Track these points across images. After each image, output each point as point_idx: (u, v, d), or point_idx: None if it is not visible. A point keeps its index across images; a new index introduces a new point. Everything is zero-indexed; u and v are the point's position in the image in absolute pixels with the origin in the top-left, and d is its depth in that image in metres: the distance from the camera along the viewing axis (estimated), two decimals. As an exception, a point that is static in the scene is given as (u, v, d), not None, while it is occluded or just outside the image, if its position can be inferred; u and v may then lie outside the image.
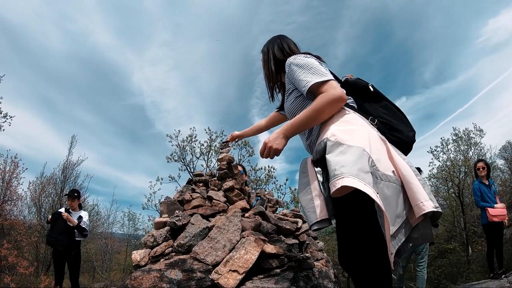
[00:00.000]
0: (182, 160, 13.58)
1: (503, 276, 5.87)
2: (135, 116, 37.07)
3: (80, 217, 6.40)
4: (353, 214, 1.43)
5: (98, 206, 20.92)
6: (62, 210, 6.45)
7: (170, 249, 2.76)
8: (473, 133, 15.72)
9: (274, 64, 1.99)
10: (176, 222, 2.78)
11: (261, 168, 14.43)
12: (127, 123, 36.94)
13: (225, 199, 3.33)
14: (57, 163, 17.04)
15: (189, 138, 14.01)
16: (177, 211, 3.09)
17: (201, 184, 3.58)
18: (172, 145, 14.06)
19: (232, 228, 2.52)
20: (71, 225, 6.20)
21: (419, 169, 6.17)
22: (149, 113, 35.47)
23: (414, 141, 1.68)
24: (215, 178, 3.65)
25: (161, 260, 2.69)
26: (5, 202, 15.07)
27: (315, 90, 1.64)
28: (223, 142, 3.65)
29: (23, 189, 16.21)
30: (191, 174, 13.43)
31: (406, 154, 1.68)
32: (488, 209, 5.75)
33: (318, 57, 1.87)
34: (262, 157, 1.76)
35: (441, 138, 16.37)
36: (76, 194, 6.65)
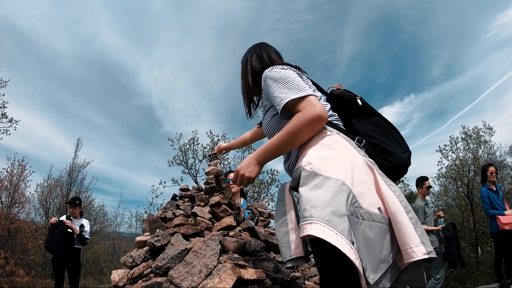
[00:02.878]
0: (184, 164, 13.52)
1: (511, 286, 5.65)
2: (144, 116, 37.32)
3: (82, 226, 6.51)
4: (327, 258, 1.23)
5: (105, 207, 21.08)
6: (63, 218, 6.51)
7: (149, 269, 2.64)
8: (483, 131, 15.35)
9: (251, 76, 1.80)
10: (155, 243, 2.67)
11: (264, 172, 14.27)
12: (136, 124, 37.28)
13: (210, 215, 3.19)
14: (68, 163, 17.22)
15: (191, 141, 13.95)
16: (158, 230, 2.98)
17: (186, 199, 3.45)
18: (174, 149, 14.02)
19: (209, 252, 2.38)
20: (72, 232, 6.28)
21: (425, 178, 5.98)
22: (157, 114, 35.70)
23: (409, 164, 1.45)
24: (202, 193, 3.52)
25: (139, 281, 2.58)
26: (12, 205, 15.29)
27: (292, 108, 1.43)
28: (210, 155, 3.51)
29: (30, 192, 16.37)
30: (193, 178, 13.38)
31: (399, 178, 1.49)
32: (499, 217, 5.47)
33: (297, 68, 1.67)
34: (236, 185, 1.62)
35: (450, 137, 16.07)
36: (77, 202, 6.75)
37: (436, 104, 32.26)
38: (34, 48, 30.37)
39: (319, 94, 1.65)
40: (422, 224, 5.69)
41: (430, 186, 5.97)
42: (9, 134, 13.69)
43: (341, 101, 1.61)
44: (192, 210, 3.16)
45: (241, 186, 2.26)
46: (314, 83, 1.75)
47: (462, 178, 15.06)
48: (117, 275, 2.70)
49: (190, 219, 3.07)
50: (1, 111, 13.56)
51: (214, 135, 14.37)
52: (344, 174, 1.25)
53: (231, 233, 2.88)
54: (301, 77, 1.60)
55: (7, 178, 15.56)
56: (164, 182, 13.81)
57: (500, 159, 15.91)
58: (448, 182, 17.24)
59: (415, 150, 32.27)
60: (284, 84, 1.47)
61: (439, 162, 16.63)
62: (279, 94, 1.45)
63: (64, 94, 33.52)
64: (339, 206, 1.17)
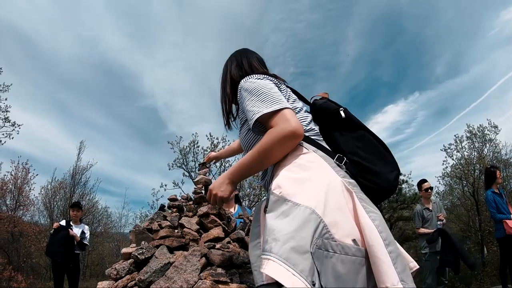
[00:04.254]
0: (185, 166, 13.52)
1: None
2: (148, 117, 37.46)
3: (83, 233, 6.64)
4: None
5: (109, 208, 21.17)
6: (63, 222, 6.59)
7: (133, 282, 2.60)
8: (488, 130, 15.13)
9: (230, 85, 1.68)
10: (139, 256, 2.63)
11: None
12: (140, 125, 37.47)
13: (198, 226, 3.14)
14: (71, 165, 17.36)
15: (191, 144, 13.94)
16: (143, 242, 2.93)
17: (175, 210, 3.40)
18: (174, 152, 14.01)
19: (189, 268, 2.34)
20: (73, 238, 6.36)
21: (423, 181, 5.86)
22: (161, 114, 35.82)
23: (395, 185, 1.31)
24: (191, 203, 3.47)
25: (124, 295, 2.54)
26: (17, 207, 15.42)
27: (265, 122, 1.34)
28: (200, 164, 3.46)
29: (34, 194, 16.52)
30: (193, 181, 13.41)
31: (386, 199, 1.36)
32: (507, 221, 5.29)
33: (275, 76, 1.57)
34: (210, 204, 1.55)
35: (454, 136, 15.88)
36: (80, 206, 7.01)
37: (441, 102, 31.96)
38: (37, 50, 30.58)
39: (299, 104, 1.54)
40: (420, 227, 5.58)
41: (429, 188, 5.82)
42: (12, 137, 13.82)
43: (323, 112, 1.49)
44: (180, 221, 3.11)
45: (215, 205, 2.20)
46: (294, 92, 1.65)
47: (467, 177, 14.87)
48: (101, 287, 2.67)
49: (176, 231, 3.02)
50: (4, 115, 13.68)
51: (214, 137, 14.33)
52: (316, 201, 1.14)
53: (218, 245, 2.83)
54: (279, 87, 1.50)
55: (11, 181, 15.70)
56: (165, 185, 13.83)
57: (505, 157, 15.67)
58: (454, 182, 17.05)
59: (420, 149, 32.02)
60: (258, 96, 1.37)
61: (444, 161, 16.46)
62: (252, 108, 1.36)
63: (68, 96, 33.76)
64: (302, 240, 1.06)
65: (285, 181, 1.22)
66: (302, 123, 1.43)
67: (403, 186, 16.50)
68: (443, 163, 16.41)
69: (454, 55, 34.31)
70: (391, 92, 38.98)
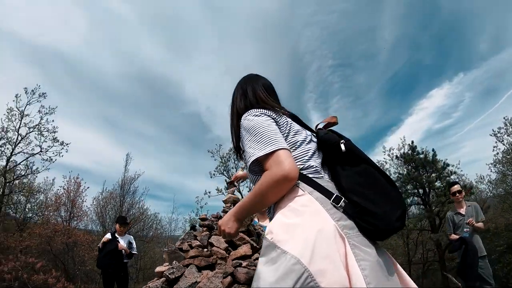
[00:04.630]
0: (226, 174, 13.74)
1: None
2: (193, 123, 38.72)
3: (130, 243, 7.03)
4: None
5: (159, 214, 22.00)
6: (109, 235, 7.01)
7: (166, 300, 2.74)
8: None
9: (236, 118, 1.62)
10: (169, 275, 2.76)
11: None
12: (186, 131, 38.89)
13: (226, 245, 3.22)
14: (119, 177, 18.43)
15: (231, 151, 14.13)
16: (174, 262, 3.06)
17: (204, 229, 3.51)
18: (214, 160, 14.30)
19: (214, 289, 2.41)
20: (124, 253, 6.78)
21: (451, 184, 5.53)
22: (205, 119, 36.89)
23: (397, 227, 1.23)
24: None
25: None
26: (71, 219, 16.55)
27: (262, 163, 1.31)
28: (228, 183, 3.54)
29: (87, 206, 17.66)
30: (237, 188, 13.67)
31: (388, 237, 1.28)
32: None
33: (277, 107, 1.52)
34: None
35: (504, 118, 14.83)
36: (127, 221, 7.40)
37: (487, 81, 29.79)
38: (81, 70, 32.50)
39: (300, 137, 1.47)
40: (452, 234, 5.23)
41: (457, 192, 5.29)
42: (62, 155, 14.83)
43: (325, 144, 1.44)
44: (209, 240, 3.21)
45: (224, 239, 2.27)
46: (299, 121, 1.58)
47: (520, 164, 13.84)
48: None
49: (206, 250, 3.12)
50: (52, 136, 14.70)
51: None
52: (302, 250, 1.12)
53: (245, 263, 2.89)
54: (277, 121, 1.45)
55: (64, 194, 16.88)
56: (209, 192, 14.15)
57: None
58: (506, 169, 15.97)
59: (470, 133, 30.19)
60: (254, 136, 1.35)
61: (494, 147, 15.46)
62: (248, 149, 1.36)
63: (114, 109, 35.70)
64: None
65: (277, 226, 1.23)
66: (300, 160, 1.39)
67: (452, 177, 15.71)
68: (493, 149, 15.43)
69: (498, 28, 31.96)
70: (435, 75, 37.08)
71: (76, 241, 13.39)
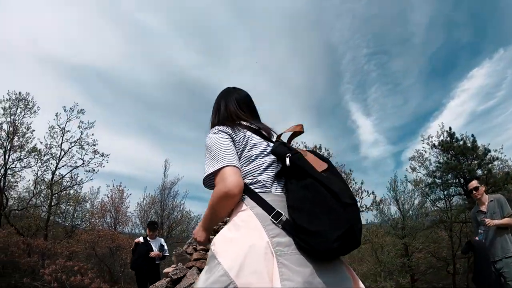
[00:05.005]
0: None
1: None
2: None
3: (161, 246, 7.36)
4: None
5: (201, 215, 22.64)
6: (141, 239, 7.41)
7: (169, 297, 2.91)
8: None
9: None
10: (173, 276, 2.92)
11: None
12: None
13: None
14: (160, 183, 19.28)
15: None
16: (179, 263, 3.22)
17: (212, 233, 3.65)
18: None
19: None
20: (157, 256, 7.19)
21: (469, 179, 5.11)
22: None
23: (336, 248, 1.15)
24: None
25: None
26: (116, 224, 17.56)
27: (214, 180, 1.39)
28: None
29: (130, 211, 18.67)
30: None
31: (326, 259, 1.22)
32: None
33: (234, 124, 1.55)
34: None
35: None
36: (156, 226, 7.61)
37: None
38: (119, 83, 34.29)
39: (256, 151, 1.48)
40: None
41: (473, 189, 4.71)
42: (103, 166, 15.79)
43: (276, 157, 1.45)
44: None
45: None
46: (261, 133, 1.59)
47: None
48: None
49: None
50: (93, 148, 15.69)
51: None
52: (232, 263, 1.16)
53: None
54: (233, 137, 1.48)
55: (109, 202, 17.95)
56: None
57: None
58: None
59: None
60: (209, 153, 1.42)
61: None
62: (204, 166, 1.43)
63: (154, 117, 37.37)
64: None
65: (219, 238, 1.28)
66: (251, 175, 1.42)
67: (495, 163, 14.79)
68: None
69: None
70: (474, 54, 34.88)
71: (119, 245, 14.15)
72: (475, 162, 14.48)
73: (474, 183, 4.70)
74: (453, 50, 35.17)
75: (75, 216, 17.89)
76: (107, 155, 15.95)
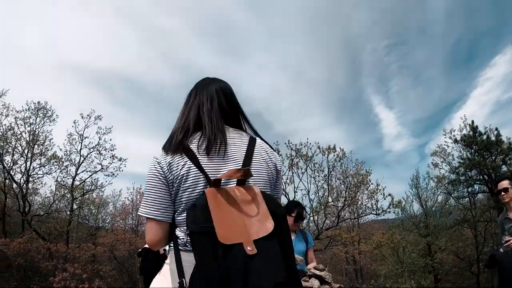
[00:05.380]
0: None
1: None
2: (254, 122, 40.12)
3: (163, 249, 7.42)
4: None
5: None
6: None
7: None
8: None
9: None
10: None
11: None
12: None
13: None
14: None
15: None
16: None
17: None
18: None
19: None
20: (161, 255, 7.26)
21: (500, 179, 4.64)
22: (266, 117, 37.87)
23: None
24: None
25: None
26: (137, 226, 18.06)
27: None
28: None
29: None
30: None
31: None
32: None
33: (174, 152, 1.17)
34: None
35: None
36: None
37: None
38: (139, 85, 35.17)
39: (193, 194, 1.16)
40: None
41: (502, 190, 3.98)
42: (122, 170, 16.17)
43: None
44: None
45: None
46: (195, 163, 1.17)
47: None
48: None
49: None
50: (111, 153, 16.10)
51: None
52: None
53: None
54: (166, 177, 1.15)
55: (130, 205, 18.49)
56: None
57: None
58: None
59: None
60: (144, 190, 1.27)
61: None
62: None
63: (175, 118, 38.00)
64: None
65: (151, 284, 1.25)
66: (181, 226, 1.17)
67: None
68: None
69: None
70: (496, 41, 33.30)
71: (138, 248, 14.51)
72: (500, 157, 13.76)
73: (505, 183, 3.99)
74: (474, 38, 33.83)
75: (98, 218, 18.61)
76: (125, 160, 16.26)
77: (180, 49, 39.08)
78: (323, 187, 14.13)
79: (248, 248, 0.89)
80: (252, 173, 1.10)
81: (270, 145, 1.32)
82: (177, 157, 1.15)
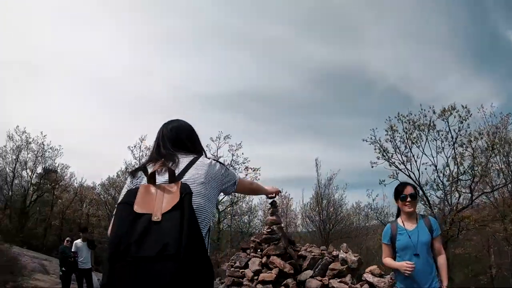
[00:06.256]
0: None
1: None
2: (390, 99, 39.06)
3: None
4: None
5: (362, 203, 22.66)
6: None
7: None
8: None
9: None
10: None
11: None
12: (387, 109, 42.09)
13: (258, 267, 3.82)
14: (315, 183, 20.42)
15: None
16: (219, 278, 3.97)
17: (251, 250, 4.21)
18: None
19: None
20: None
21: None
22: (402, 90, 38.26)
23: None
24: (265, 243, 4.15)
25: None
26: (288, 226, 19.79)
27: None
28: (271, 202, 3.29)
29: (295, 213, 21.49)
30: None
31: None
32: None
33: (135, 174, 1.64)
34: None
35: None
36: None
37: None
38: (262, 96, 37.45)
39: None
40: None
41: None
42: (258, 179, 18.08)
43: None
44: (248, 261, 3.86)
45: None
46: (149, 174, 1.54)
47: None
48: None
49: (242, 270, 3.80)
50: (245, 165, 18.50)
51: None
52: None
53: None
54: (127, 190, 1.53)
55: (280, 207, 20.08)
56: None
57: None
58: None
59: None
60: None
61: None
62: None
63: (309, 117, 40.02)
64: None
65: None
66: None
67: None
68: None
69: None
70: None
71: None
72: None
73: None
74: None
75: (251, 225, 20.95)
76: (258, 169, 18.08)
77: (296, 48, 39.84)
78: (455, 158, 12.00)
79: (155, 217, 1.22)
80: (186, 176, 1.52)
81: (214, 159, 1.78)
82: (136, 176, 1.60)
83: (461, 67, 34.73)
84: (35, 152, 21.37)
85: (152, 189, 1.35)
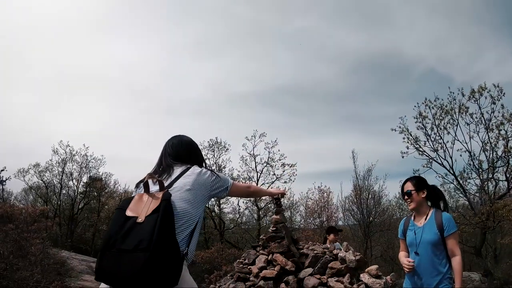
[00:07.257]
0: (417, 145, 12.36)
1: None
2: (428, 82, 37.30)
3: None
4: None
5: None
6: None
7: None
8: None
9: None
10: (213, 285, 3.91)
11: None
12: (423, 93, 38.47)
13: (263, 264, 3.96)
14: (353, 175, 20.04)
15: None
16: (229, 275, 4.15)
17: (258, 248, 4.34)
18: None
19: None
20: None
21: None
22: (441, 70, 36.15)
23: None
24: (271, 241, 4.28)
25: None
26: (329, 220, 19.44)
27: None
28: (276, 202, 3.30)
29: (336, 205, 20.67)
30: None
31: None
32: None
33: (139, 183, 1.92)
34: None
35: None
36: (334, 231, 8.05)
37: None
38: (300, 91, 36.92)
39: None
40: None
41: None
42: (296, 175, 18.17)
43: None
44: (255, 258, 3.99)
45: None
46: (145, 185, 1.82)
47: None
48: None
49: (249, 267, 3.95)
50: (282, 162, 18.18)
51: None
52: None
53: (264, 283, 3.54)
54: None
55: (315, 204, 20.13)
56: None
57: None
58: None
59: None
60: None
61: None
62: None
63: (342, 107, 40.15)
64: None
65: None
66: None
67: None
68: None
69: None
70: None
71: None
72: None
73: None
74: None
75: (292, 221, 20.86)
76: (294, 165, 18.04)
77: (326, 40, 39.26)
78: (489, 142, 11.18)
79: (139, 219, 1.52)
80: (176, 183, 1.79)
81: (207, 168, 2.01)
82: (139, 185, 1.90)
83: (500, 41, 32.46)
84: (80, 163, 22.90)
85: (145, 197, 1.64)
